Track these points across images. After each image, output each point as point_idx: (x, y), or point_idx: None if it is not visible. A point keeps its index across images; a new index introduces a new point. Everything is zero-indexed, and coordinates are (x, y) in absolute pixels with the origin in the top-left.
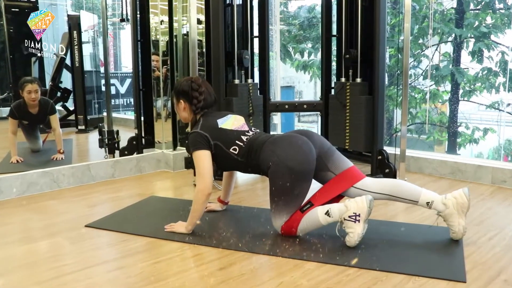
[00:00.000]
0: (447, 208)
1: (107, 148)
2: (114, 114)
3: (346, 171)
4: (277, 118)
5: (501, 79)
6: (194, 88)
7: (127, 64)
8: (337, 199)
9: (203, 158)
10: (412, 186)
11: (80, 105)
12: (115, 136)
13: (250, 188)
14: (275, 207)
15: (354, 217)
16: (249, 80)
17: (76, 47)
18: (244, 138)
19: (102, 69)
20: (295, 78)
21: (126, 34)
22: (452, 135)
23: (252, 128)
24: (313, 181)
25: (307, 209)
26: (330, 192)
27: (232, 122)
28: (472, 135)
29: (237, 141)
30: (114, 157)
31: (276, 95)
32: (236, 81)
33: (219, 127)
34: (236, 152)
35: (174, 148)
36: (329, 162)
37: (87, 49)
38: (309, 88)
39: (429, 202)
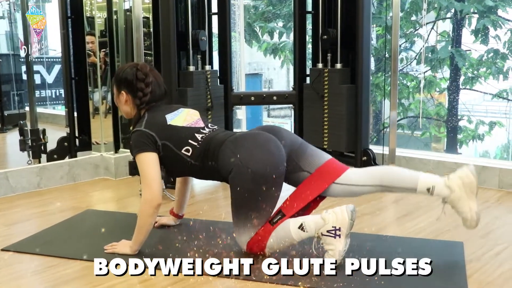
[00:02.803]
0: (452, 191)
1: (30, 152)
2: (39, 109)
3: (322, 166)
4: (241, 113)
5: (510, 62)
6: (139, 78)
7: (55, 46)
8: (315, 202)
9: (149, 162)
10: (407, 171)
11: None
12: (41, 137)
13: (209, 197)
14: (238, 221)
15: (333, 232)
16: (207, 67)
17: None
18: (198, 136)
19: (22, 53)
20: (263, 64)
21: (52, 8)
22: (452, 131)
23: (209, 125)
24: (286, 185)
25: (278, 221)
26: (305, 196)
27: (184, 117)
28: (475, 130)
29: (190, 140)
30: (40, 162)
31: (240, 85)
32: (191, 68)
33: (168, 123)
34: (189, 154)
35: (116, 150)
36: (301, 160)
37: (1, 27)
38: (280, 76)
39: (429, 188)
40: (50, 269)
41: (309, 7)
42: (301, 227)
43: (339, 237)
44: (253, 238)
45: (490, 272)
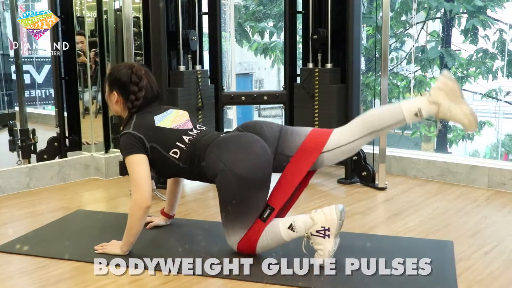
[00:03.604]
0: (439, 105)
1: (20, 152)
2: (29, 109)
3: (303, 144)
4: (232, 113)
5: (499, 62)
6: (133, 81)
7: (44, 46)
8: (305, 180)
9: (139, 164)
10: (388, 107)
11: None
12: (31, 137)
13: (200, 197)
14: (227, 222)
15: (322, 232)
16: (198, 67)
17: None
18: (186, 138)
19: (12, 52)
20: (254, 63)
21: (42, 8)
22: (442, 130)
23: (197, 126)
24: (275, 178)
25: (269, 216)
26: (292, 179)
27: (172, 119)
28: None
29: (177, 143)
30: (29, 162)
31: (231, 85)
32: (182, 68)
33: (156, 125)
34: (177, 156)
35: (106, 150)
36: (285, 149)
37: None
38: (270, 76)
39: (417, 112)
40: (40, 270)
41: (300, 7)
42: (290, 227)
43: (328, 237)
44: (244, 238)
45: (480, 271)
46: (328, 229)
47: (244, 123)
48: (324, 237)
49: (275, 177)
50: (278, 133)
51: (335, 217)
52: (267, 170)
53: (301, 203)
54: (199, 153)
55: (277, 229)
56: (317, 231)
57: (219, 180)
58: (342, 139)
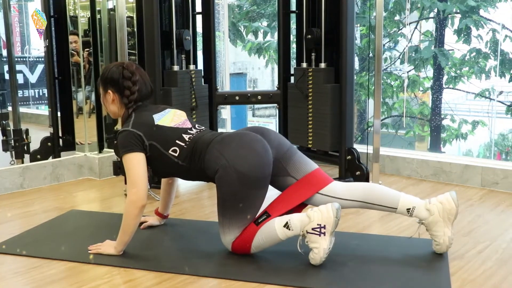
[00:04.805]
0: (431, 215)
1: (13, 152)
2: (22, 109)
3: (309, 174)
4: (226, 112)
5: (492, 62)
6: (126, 76)
7: (38, 46)
8: (298, 208)
9: (136, 162)
10: (389, 190)
11: None
12: (24, 137)
13: (194, 197)
14: (224, 220)
15: (318, 230)
16: (191, 66)
17: None
18: (186, 137)
19: (4, 52)
20: (248, 63)
21: (35, 8)
22: (435, 130)
23: (196, 125)
24: (270, 187)
25: (262, 221)
26: (290, 201)
27: (171, 117)
28: (458, 129)
29: (177, 141)
30: (23, 162)
31: (225, 84)
32: (175, 68)
33: (156, 123)
34: (176, 154)
35: (100, 150)
36: (288, 165)
37: None
38: (265, 76)
39: (409, 209)
40: (33, 270)
41: (293, 7)
42: (286, 225)
43: (324, 235)
44: (238, 238)
45: (473, 270)
46: (324, 227)
47: (250, 126)
48: (319, 235)
49: (273, 189)
50: (287, 146)
51: (332, 214)
52: (267, 170)
53: None
54: (199, 151)
55: (273, 228)
56: (313, 229)
57: (219, 176)
58: (338, 192)
